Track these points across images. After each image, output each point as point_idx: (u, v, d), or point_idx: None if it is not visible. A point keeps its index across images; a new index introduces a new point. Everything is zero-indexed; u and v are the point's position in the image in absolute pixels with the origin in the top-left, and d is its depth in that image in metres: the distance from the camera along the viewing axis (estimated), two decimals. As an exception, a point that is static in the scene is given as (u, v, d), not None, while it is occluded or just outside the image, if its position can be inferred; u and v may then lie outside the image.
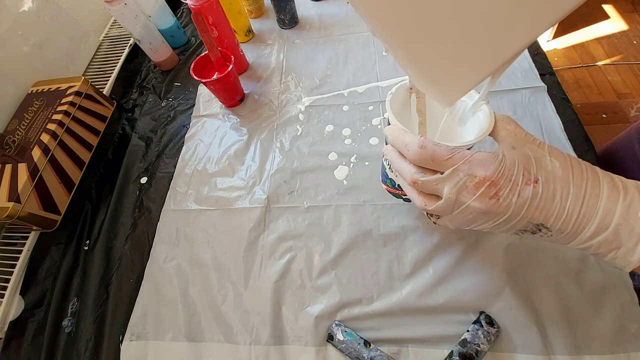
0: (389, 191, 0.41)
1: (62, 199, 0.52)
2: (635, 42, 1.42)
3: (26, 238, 0.51)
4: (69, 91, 0.55)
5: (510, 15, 0.18)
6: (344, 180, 0.47)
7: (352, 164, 0.48)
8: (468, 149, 0.28)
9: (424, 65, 0.23)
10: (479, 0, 0.18)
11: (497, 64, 0.21)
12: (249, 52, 0.65)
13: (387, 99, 0.32)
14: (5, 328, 0.44)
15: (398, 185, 0.37)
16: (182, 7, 0.78)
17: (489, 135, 0.26)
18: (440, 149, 0.23)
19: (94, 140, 0.58)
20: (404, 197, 0.39)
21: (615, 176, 0.23)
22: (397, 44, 0.22)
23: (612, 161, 0.46)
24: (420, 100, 0.32)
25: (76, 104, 0.55)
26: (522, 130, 0.24)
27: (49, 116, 0.52)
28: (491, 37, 0.20)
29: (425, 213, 0.28)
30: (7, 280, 0.47)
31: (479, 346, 0.32)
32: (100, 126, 0.60)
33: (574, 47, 1.46)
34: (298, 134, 0.52)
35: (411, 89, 0.32)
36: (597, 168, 0.23)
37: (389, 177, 0.38)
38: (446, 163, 0.23)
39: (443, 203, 0.24)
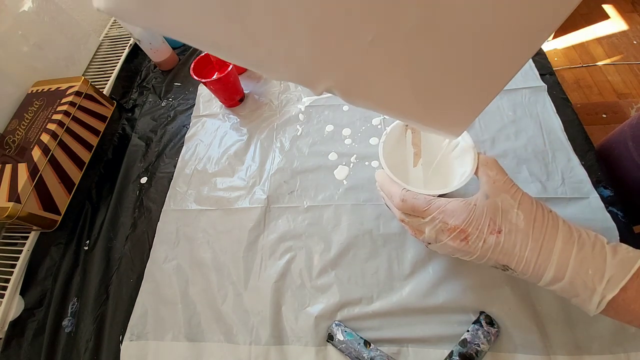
0: (387, 207, 0.42)
1: (62, 199, 0.52)
2: (635, 42, 1.42)
3: (26, 238, 0.51)
4: (69, 91, 0.55)
5: (498, 47, 0.19)
6: (344, 180, 0.47)
7: (352, 164, 0.48)
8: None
9: (426, 118, 0.25)
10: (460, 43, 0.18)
11: (500, 86, 0.22)
12: (249, 52, 0.64)
13: (381, 139, 0.34)
14: (5, 328, 0.44)
15: None
16: (182, 7, 0.77)
17: (474, 174, 0.30)
18: (418, 202, 0.28)
19: (94, 140, 0.58)
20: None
21: (576, 229, 0.25)
22: (396, 115, 0.25)
23: (606, 158, 0.46)
24: (415, 135, 0.36)
25: (76, 104, 0.55)
26: (502, 177, 0.28)
27: (49, 116, 0.52)
28: (485, 70, 0.20)
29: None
30: (7, 280, 0.47)
31: (479, 346, 0.32)
32: (100, 126, 0.60)
33: (574, 47, 1.46)
34: (298, 134, 0.52)
35: (407, 125, 0.34)
36: (561, 220, 0.26)
37: None
38: (424, 213, 0.28)
39: (426, 238, 0.29)
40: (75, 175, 0.54)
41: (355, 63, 0.18)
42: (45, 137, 0.50)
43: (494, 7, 0.16)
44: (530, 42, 0.18)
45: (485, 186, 0.28)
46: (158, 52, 0.64)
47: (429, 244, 0.30)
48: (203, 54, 0.54)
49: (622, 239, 0.37)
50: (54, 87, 0.56)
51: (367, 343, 0.34)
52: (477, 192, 0.28)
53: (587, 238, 0.25)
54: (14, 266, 0.48)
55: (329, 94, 0.59)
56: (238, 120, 0.56)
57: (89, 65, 0.70)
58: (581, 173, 0.42)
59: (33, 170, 0.47)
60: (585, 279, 0.23)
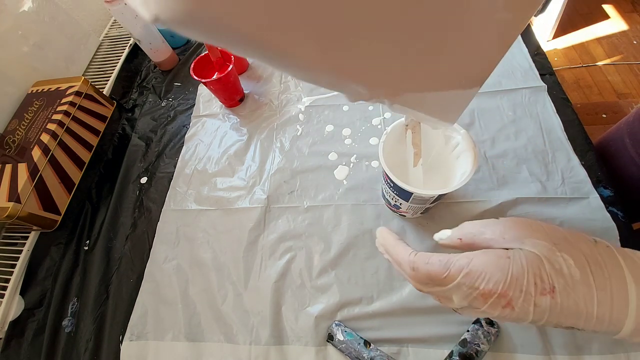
0: (388, 207, 0.42)
1: (62, 199, 0.52)
2: (635, 42, 1.42)
3: (26, 238, 0.51)
4: (69, 91, 0.55)
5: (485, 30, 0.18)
6: (344, 180, 0.47)
7: (352, 164, 0.48)
8: (443, 195, 0.31)
9: (420, 107, 0.22)
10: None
11: (488, 72, 0.21)
12: (249, 52, 0.64)
13: (381, 139, 0.34)
14: (5, 328, 0.44)
15: (394, 204, 0.38)
16: (182, 7, 0.77)
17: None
18: (433, 268, 0.21)
19: (94, 140, 0.58)
20: (400, 213, 0.40)
21: (634, 256, 0.20)
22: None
23: (603, 155, 0.46)
24: (415, 135, 0.35)
25: (76, 104, 0.55)
26: (505, 225, 0.22)
27: (49, 116, 0.52)
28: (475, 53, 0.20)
29: None
30: (7, 280, 0.47)
31: (479, 346, 0.32)
32: (100, 126, 0.60)
33: (574, 47, 1.46)
34: (298, 134, 0.52)
35: (407, 125, 0.34)
36: (620, 255, 0.20)
37: (386, 197, 0.40)
38: (445, 280, 0.21)
39: (458, 307, 0.22)
40: (75, 175, 0.54)
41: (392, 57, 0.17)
42: (45, 137, 0.50)
43: None
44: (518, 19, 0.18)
45: (500, 245, 0.21)
46: (158, 52, 0.64)
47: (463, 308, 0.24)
48: (203, 54, 0.54)
49: (622, 239, 0.37)
50: (54, 87, 0.56)
51: (367, 343, 0.34)
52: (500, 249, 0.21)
53: None
54: (14, 266, 0.48)
55: (329, 94, 0.58)
56: (238, 120, 0.56)
57: (89, 65, 0.70)
58: (581, 173, 0.42)
59: (33, 170, 0.47)
60: None
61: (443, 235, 0.24)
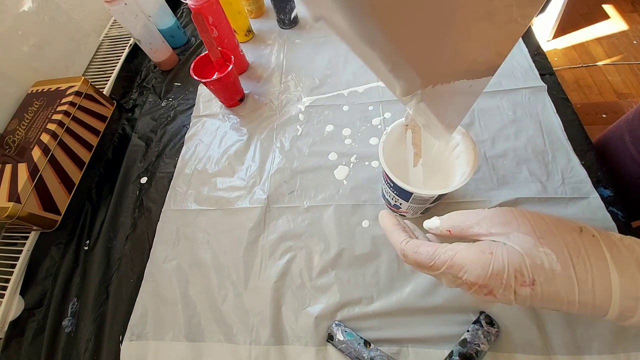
0: (388, 207, 0.42)
1: (62, 199, 0.52)
2: (635, 42, 1.42)
3: (26, 238, 0.51)
4: (69, 91, 0.55)
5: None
6: (344, 180, 0.47)
7: (352, 164, 0.48)
8: (443, 195, 0.32)
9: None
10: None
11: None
12: (249, 52, 0.65)
13: (381, 139, 0.34)
14: (5, 328, 0.44)
15: (394, 204, 0.38)
16: (182, 7, 0.78)
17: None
18: (420, 256, 0.23)
19: (94, 140, 0.58)
20: (400, 213, 0.40)
21: (624, 247, 0.20)
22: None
23: (604, 153, 0.46)
24: (415, 135, 0.35)
25: (76, 104, 0.55)
26: (492, 217, 0.23)
27: (49, 116, 0.52)
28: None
29: None
30: (7, 280, 0.47)
31: (479, 346, 0.32)
32: (100, 126, 0.60)
33: (574, 47, 1.46)
34: (298, 134, 0.52)
35: (407, 125, 0.34)
36: (600, 241, 0.20)
37: (386, 197, 0.40)
38: (431, 269, 0.23)
39: (447, 287, 0.24)
40: (75, 175, 0.54)
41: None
42: (45, 137, 0.50)
43: None
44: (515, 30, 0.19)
45: (487, 237, 0.23)
46: (158, 52, 0.64)
47: None
48: (203, 54, 0.54)
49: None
50: (54, 87, 0.56)
51: (367, 343, 0.34)
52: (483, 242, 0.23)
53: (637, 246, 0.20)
54: (14, 266, 0.48)
55: (329, 94, 0.58)
56: (238, 120, 0.56)
57: (89, 65, 0.70)
58: (581, 173, 0.42)
59: (33, 170, 0.47)
60: None
61: (432, 224, 0.26)
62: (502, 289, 0.21)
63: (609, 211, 0.39)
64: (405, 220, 0.28)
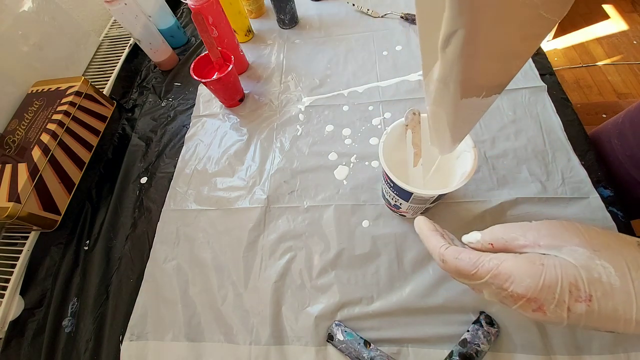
0: (388, 207, 0.42)
1: (62, 199, 0.52)
2: (635, 42, 1.42)
3: (26, 238, 0.51)
4: (69, 91, 0.55)
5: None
6: (344, 180, 0.47)
7: (352, 164, 0.48)
8: (443, 195, 0.32)
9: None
10: None
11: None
12: (249, 52, 0.65)
13: (381, 139, 0.34)
14: (5, 328, 0.44)
15: (394, 204, 0.38)
16: (182, 7, 0.78)
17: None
18: (461, 264, 0.21)
19: (94, 140, 0.58)
20: (400, 213, 0.41)
21: None
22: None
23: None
24: (415, 135, 0.35)
25: (76, 104, 0.55)
26: (542, 229, 0.21)
27: (49, 116, 0.52)
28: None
29: None
30: (7, 280, 0.47)
31: (479, 346, 0.32)
32: (100, 126, 0.60)
33: (574, 47, 1.46)
34: (298, 134, 0.52)
35: (407, 125, 0.34)
36: None
37: (386, 197, 0.40)
38: (474, 277, 0.21)
39: (488, 300, 0.22)
40: (75, 175, 0.54)
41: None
42: (45, 137, 0.50)
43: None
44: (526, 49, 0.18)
45: (535, 250, 0.21)
46: (158, 52, 0.64)
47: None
48: (203, 54, 0.54)
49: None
50: (54, 87, 0.56)
51: (367, 343, 0.34)
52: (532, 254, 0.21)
53: None
54: (14, 266, 0.48)
55: (329, 94, 0.58)
56: (238, 120, 0.56)
57: (89, 65, 0.70)
58: (581, 173, 0.42)
59: (33, 170, 0.47)
60: None
61: (472, 238, 0.23)
62: (554, 305, 0.19)
63: (609, 211, 0.39)
64: (444, 229, 0.27)
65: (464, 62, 0.18)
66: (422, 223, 0.27)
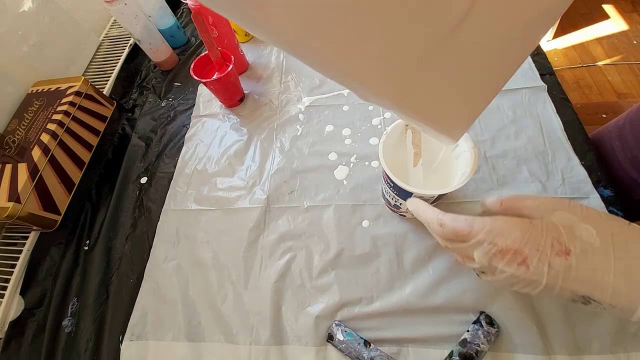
0: (388, 207, 0.42)
1: (62, 199, 0.52)
2: (635, 42, 1.42)
3: (26, 238, 0.51)
4: (69, 91, 0.55)
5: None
6: (344, 180, 0.47)
7: (352, 164, 0.48)
8: (443, 195, 0.32)
9: (420, 114, 0.22)
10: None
11: (499, 87, 0.20)
12: (249, 52, 0.65)
13: (381, 139, 0.34)
14: (5, 328, 0.44)
15: (394, 204, 0.38)
16: (182, 7, 0.78)
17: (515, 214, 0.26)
18: (458, 225, 0.24)
19: (94, 140, 0.58)
20: (400, 213, 0.40)
21: None
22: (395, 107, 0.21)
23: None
24: (415, 135, 0.35)
25: (76, 104, 0.55)
26: (547, 199, 0.24)
27: (49, 116, 0.52)
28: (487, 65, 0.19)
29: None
30: (7, 280, 0.47)
31: (479, 346, 0.32)
32: (100, 126, 0.60)
33: (574, 47, 1.46)
34: (298, 134, 0.52)
35: (407, 125, 0.34)
36: None
37: (386, 197, 0.40)
38: (468, 236, 0.23)
39: (478, 266, 0.24)
40: (75, 175, 0.54)
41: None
42: (45, 137, 0.50)
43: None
44: (529, 39, 0.18)
45: (531, 214, 0.23)
46: (158, 52, 0.64)
47: (483, 272, 0.26)
48: (203, 54, 0.54)
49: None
50: (54, 87, 0.56)
51: (367, 343, 0.34)
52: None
53: None
54: (14, 266, 0.48)
55: (329, 94, 0.58)
56: (238, 120, 0.56)
57: (89, 65, 0.70)
58: (581, 173, 0.42)
59: (33, 170, 0.47)
60: None
61: (490, 197, 0.27)
62: (537, 259, 0.20)
63: (609, 211, 0.39)
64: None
65: None
66: (416, 201, 0.29)
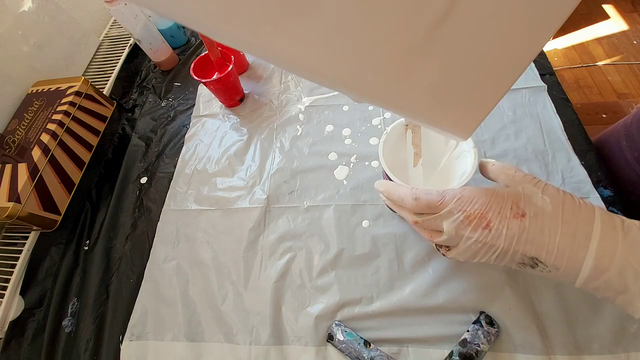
0: (388, 207, 0.42)
1: (62, 199, 0.52)
2: (635, 42, 1.42)
3: (26, 238, 0.51)
4: (69, 91, 0.55)
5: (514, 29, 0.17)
6: (344, 180, 0.47)
7: (352, 164, 0.48)
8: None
9: (436, 117, 0.21)
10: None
11: (513, 80, 0.19)
12: (249, 52, 0.64)
13: (381, 139, 0.34)
14: (5, 328, 0.44)
15: None
16: (182, 7, 0.77)
17: (490, 179, 0.29)
18: (431, 197, 0.25)
19: (94, 140, 0.58)
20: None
21: (618, 217, 0.22)
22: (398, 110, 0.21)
23: (600, 155, 0.46)
24: (415, 135, 0.35)
25: (76, 104, 0.55)
26: (521, 173, 0.26)
27: (49, 116, 0.52)
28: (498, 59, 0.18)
29: (435, 246, 0.30)
30: (7, 280, 0.47)
31: (479, 346, 0.32)
32: (100, 126, 0.60)
33: (574, 47, 1.46)
34: (298, 134, 0.52)
35: (407, 125, 0.34)
36: (597, 208, 0.23)
37: None
38: (440, 207, 0.25)
39: (446, 237, 0.25)
40: (75, 175, 0.54)
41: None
42: (45, 137, 0.50)
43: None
44: (538, 35, 0.17)
45: (505, 180, 0.26)
46: (158, 52, 0.64)
47: (448, 249, 0.28)
48: (203, 54, 0.54)
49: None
50: (54, 87, 0.56)
51: (367, 343, 0.34)
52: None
53: (633, 223, 0.22)
54: (14, 266, 0.48)
55: (329, 94, 0.58)
56: (238, 120, 0.56)
57: (89, 65, 0.70)
58: (581, 173, 0.42)
59: (33, 170, 0.47)
60: (638, 268, 0.20)
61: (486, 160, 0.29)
62: (498, 221, 0.23)
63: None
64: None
65: None
66: (385, 181, 0.31)
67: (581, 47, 1.45)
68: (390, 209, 0.42)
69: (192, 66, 0.52)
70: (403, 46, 0.16)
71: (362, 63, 0.17)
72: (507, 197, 0.23)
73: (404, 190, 0.27)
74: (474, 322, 0.34)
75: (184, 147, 0.55)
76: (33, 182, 0.47)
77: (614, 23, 1.49)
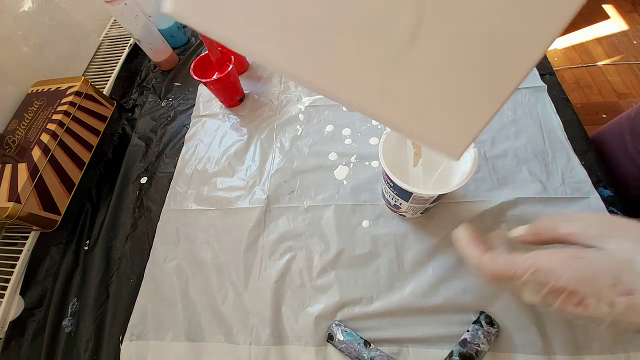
0: (388, 207, 0.42)
1: (62, 199, 0.52)
2: (635, 42, 1.42)
3: (26, 238, 0.51)
4: (69, 91, 0.55)
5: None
6: (344, 180, 0.47)
7: (352, 164, 0.48)
8: (443, 195, 0.32)
9: (418, 131, 0.20)
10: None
11: (507, 94, 0.18)
12: (249, 52, 0.64)
13: (381, 139, 0.34)
14: (5, 328, 0.44)
15: (394, 204, 0.38)
16: (182, 7, 0.77)
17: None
18: (498, 266, 0.21)
19: (94, 140, 0.58)
20: (400, 213, 0.40)
21: None
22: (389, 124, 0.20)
23: (601, 150, 0.46)
24: None
25: (76, 104, 0.55)
26: (594, 219, 0.21)
27: (49, 116, 0.52)
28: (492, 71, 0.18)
29: None
30: (7, 280, 0.47)
31: (479, 346, 0.32)
32: (100, 126, 0.60)
33: (574, 47, 1.46)
34: (298, 134, 0.52)
35: None
36: None
37: (386, 197, 0.40)
38: (513, 278, 0.21)
39: (529, 301, 0.21)
40: (75, 175, 0.54)
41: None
42: (45, 137, 0.50)
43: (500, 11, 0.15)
44: (535, 46, 0.17)
45: (579, 240, 0.21)
46: (158, 52, 0.64)
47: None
48: (203, 54, 0.54)
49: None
50: (54, 87, 0.56)
51: (367, 343, 0.34)
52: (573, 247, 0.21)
53: None
54: (14, 266, 0.48)
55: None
56: (238, 120, 0.56)
57: (89, 65, 0.70)
58: (581, 173, 0.42)
59: (33, 170, 0.47)
60: None
61: (517, 232, 0.24)
62: (596, 299, 0.18)
63: (609, 211, 0.39)
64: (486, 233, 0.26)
65: None
66: (459, 234, 0.26)
67: (581, 47, 1.45)
68: (391, 209, 0.42)
69: (192, 66, 0.52)
70: (379, 59, 0.16)
71: (346, 72, 0.17)
72: (601, 269, 0.18)
73: (470, 251, 0.23)
74: (474, 322, 0.34)
75: (184, 147, 0.55)
76: (33, 182, 0.47)
77: (614, 23, 1.49)
